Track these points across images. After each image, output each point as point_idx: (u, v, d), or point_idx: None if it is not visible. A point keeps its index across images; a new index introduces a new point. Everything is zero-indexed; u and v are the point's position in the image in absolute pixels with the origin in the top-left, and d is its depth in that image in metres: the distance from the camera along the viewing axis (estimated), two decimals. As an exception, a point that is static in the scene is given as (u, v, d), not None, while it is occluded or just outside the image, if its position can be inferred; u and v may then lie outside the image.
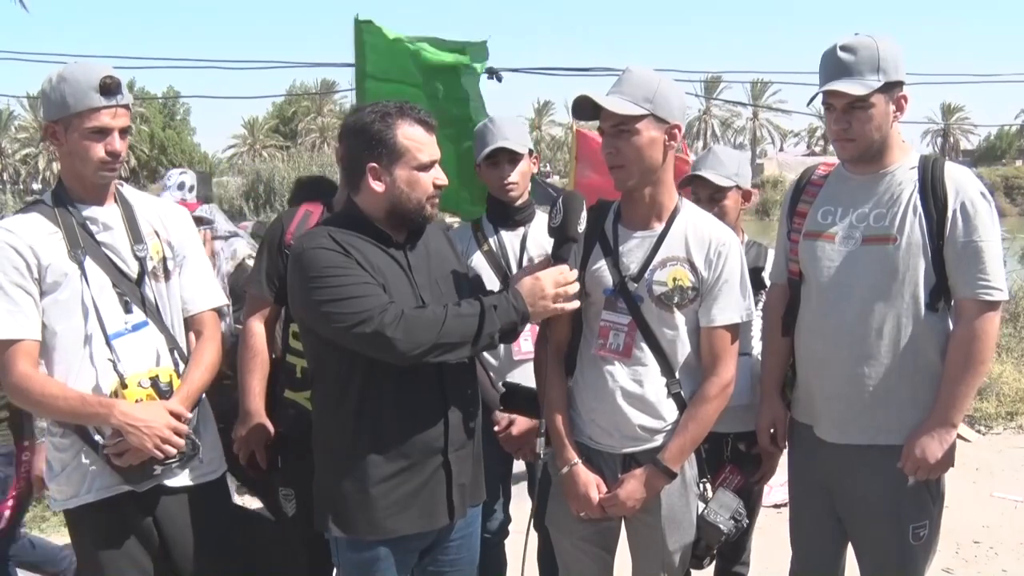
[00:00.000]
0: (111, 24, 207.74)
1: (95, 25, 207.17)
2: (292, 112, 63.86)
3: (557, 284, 2.10)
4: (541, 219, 2.94)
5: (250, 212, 19.34)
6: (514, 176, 2.83)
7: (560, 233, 2.14)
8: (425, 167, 2.12)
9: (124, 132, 2.22)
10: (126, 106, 2.21)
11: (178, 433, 2.18)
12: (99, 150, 2.18)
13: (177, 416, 2.19)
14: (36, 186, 64.04)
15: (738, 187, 2.93)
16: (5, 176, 65.71)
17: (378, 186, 2.10)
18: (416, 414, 2.10)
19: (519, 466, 3.06)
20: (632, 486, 2.24)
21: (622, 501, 2.24)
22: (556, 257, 2.15)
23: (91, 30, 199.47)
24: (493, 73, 7.63)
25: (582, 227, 2.14)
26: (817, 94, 2.26)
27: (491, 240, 2.90)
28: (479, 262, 2.84)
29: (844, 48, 2.21)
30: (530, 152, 2.89)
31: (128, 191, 2.40)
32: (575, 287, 2.13)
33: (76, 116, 2.15)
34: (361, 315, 1.96)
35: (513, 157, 2.82)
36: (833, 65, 2.22)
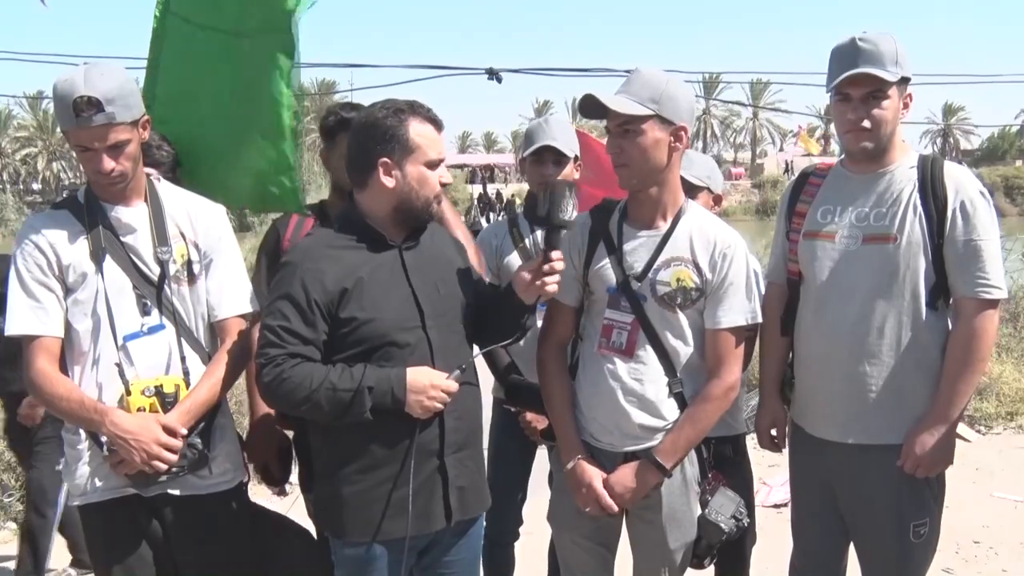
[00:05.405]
0: (111, 23, 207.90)
1: (95, 24, 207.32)
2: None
3: (439, 389, 2.06)
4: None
5: (250, 212, 19.12)
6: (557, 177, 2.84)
7: (548, 221, 2.14)
8: (434, 165, 2.12)
9: (116, 148, 2.12)
10: (112, 124, 2.07)
11: (170, 449, 2.12)
12: (91, 166, 2.14)
13: (171, 431, 2.13)
14: (36, 186, 64.05)
15: (708, 189, 2.94)
16: (5, 176, 65.64)
17: (389, 181, 2.09)
18: (411, 416, 2.07)
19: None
20: (623, 474, 2.24)
21: (611, 486, 2.24)
22: (548, 244, 2.14)
23: (91, 30, 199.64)
24: (493, 74, 7.62)
25: (568, 214, 2.12)
26: (843, 76, 2.18)
27: (527, 239, 2.93)
28: (515, 260, 2.86)
29: (863, 40, 2.20)
30: (575, 159, 2.92)
31: (163, 188, 2.35)
32: (455, 391, 2.10)
33: (67, 131, 2.13)
34: (264, 351, 2.04)
35: (559, 158, 2.86)
36: (854, 54, 2.19)
